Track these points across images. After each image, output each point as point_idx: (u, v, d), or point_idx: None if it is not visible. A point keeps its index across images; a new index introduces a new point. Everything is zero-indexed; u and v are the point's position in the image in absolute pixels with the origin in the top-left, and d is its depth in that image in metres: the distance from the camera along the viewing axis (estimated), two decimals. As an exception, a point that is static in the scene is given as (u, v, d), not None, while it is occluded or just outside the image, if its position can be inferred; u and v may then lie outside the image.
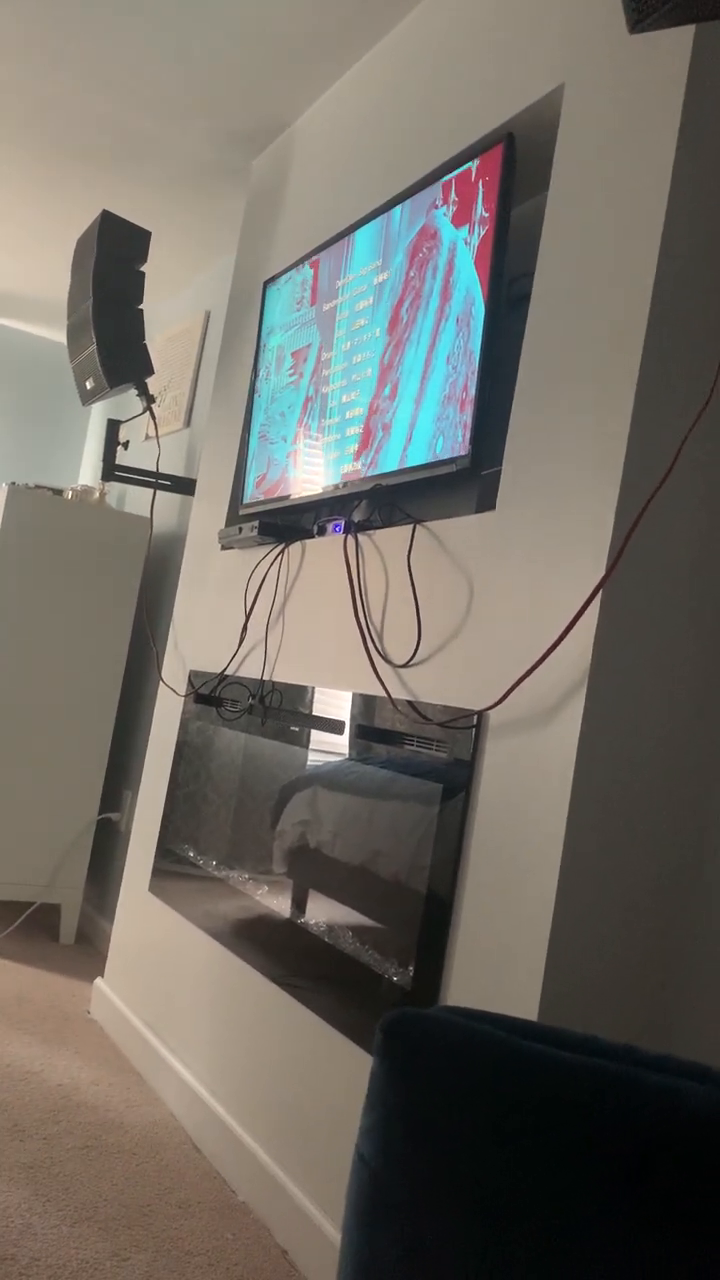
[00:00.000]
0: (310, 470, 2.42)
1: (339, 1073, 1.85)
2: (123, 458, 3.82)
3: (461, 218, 1.99)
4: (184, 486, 3.59)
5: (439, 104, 2.22)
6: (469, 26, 2.17)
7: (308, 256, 2.58)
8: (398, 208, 2.20)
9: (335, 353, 2.37)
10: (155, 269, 4.09)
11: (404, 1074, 0.90)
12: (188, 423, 3.89)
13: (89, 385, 3.09)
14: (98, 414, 5.25)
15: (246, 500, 2.73)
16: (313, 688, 2.20)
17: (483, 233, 1.92)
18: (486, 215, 1.91)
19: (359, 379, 2.25)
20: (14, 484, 3.52)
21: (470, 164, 1.98)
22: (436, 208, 2.06)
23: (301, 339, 2.53)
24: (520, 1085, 0.85)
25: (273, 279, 2.76)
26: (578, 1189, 0.81)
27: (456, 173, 2.02)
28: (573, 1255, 0.80)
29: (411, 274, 2.10)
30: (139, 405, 3.19)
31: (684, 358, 1.58)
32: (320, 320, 2.46)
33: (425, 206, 2.10)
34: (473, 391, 1.87)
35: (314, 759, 2.33)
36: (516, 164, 1.93)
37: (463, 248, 1.96)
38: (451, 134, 2.14)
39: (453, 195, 2.02)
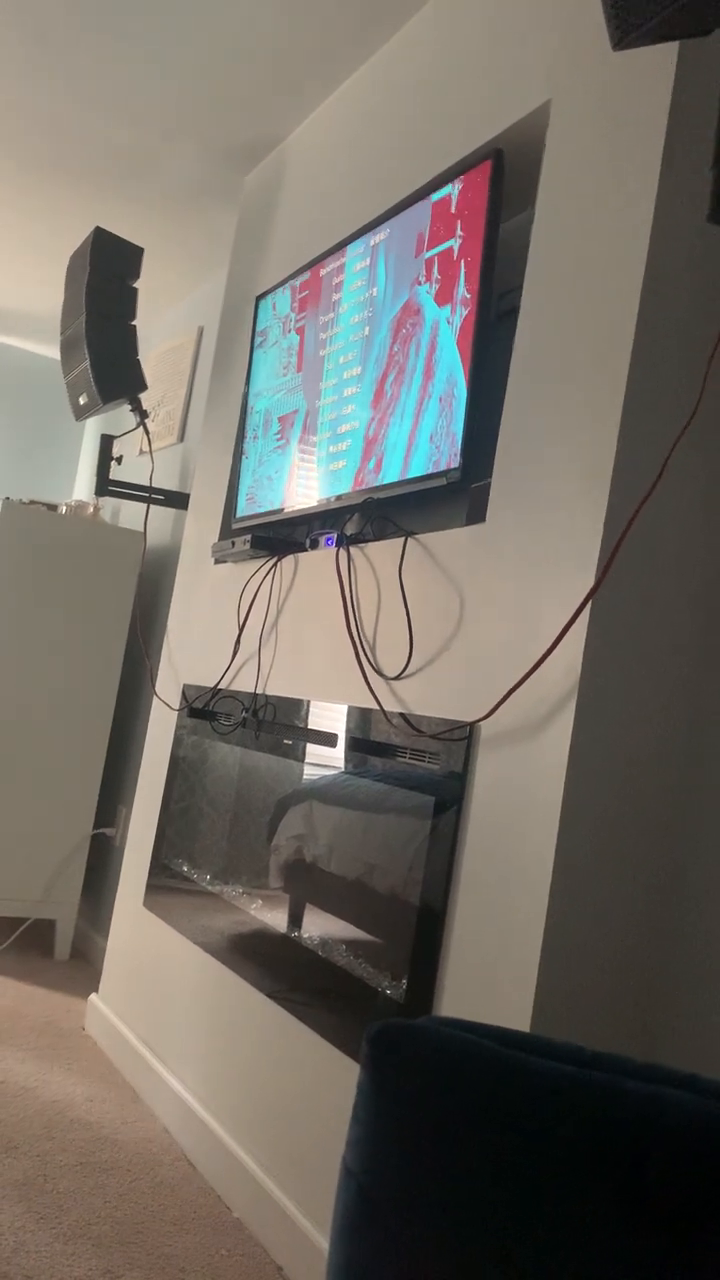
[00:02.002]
0: (303, 486, 2.43)
1: (334, 1087, 1.85)
2: (116, 472, 3.83)
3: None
4: (177, 501, 3.60)
5: (428, 120, 2.24)
6: (457, 44, 2.19)
7: (293, 277, 2.59)
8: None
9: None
10: (148, 285, 4.11)
11: (390, 1085, 0.89)
12: (181, 437, 3.90)
13: (82, 401, 3.10)
14: (91, 429, 5.26)
15: (239, 515, 2.74)
16: (306, 701, 2.21)
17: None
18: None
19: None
20: (8, 499, 3.53)
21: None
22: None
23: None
24: (506, 1095, 0.85)
25: (263, 294, 2.78)
26: (564, 1198, 0.81)
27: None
28: (560, 1264, 0.79)
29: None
30: (133, 420, 3.20)
31: (670, 371, 1.59)
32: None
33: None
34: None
35: (309, 772, 2.33)
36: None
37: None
38: (441, 150, 2.16)
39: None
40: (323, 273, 2.47)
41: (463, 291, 1.92)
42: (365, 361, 2.21)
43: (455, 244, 1.97)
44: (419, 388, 1.99)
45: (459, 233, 1.97)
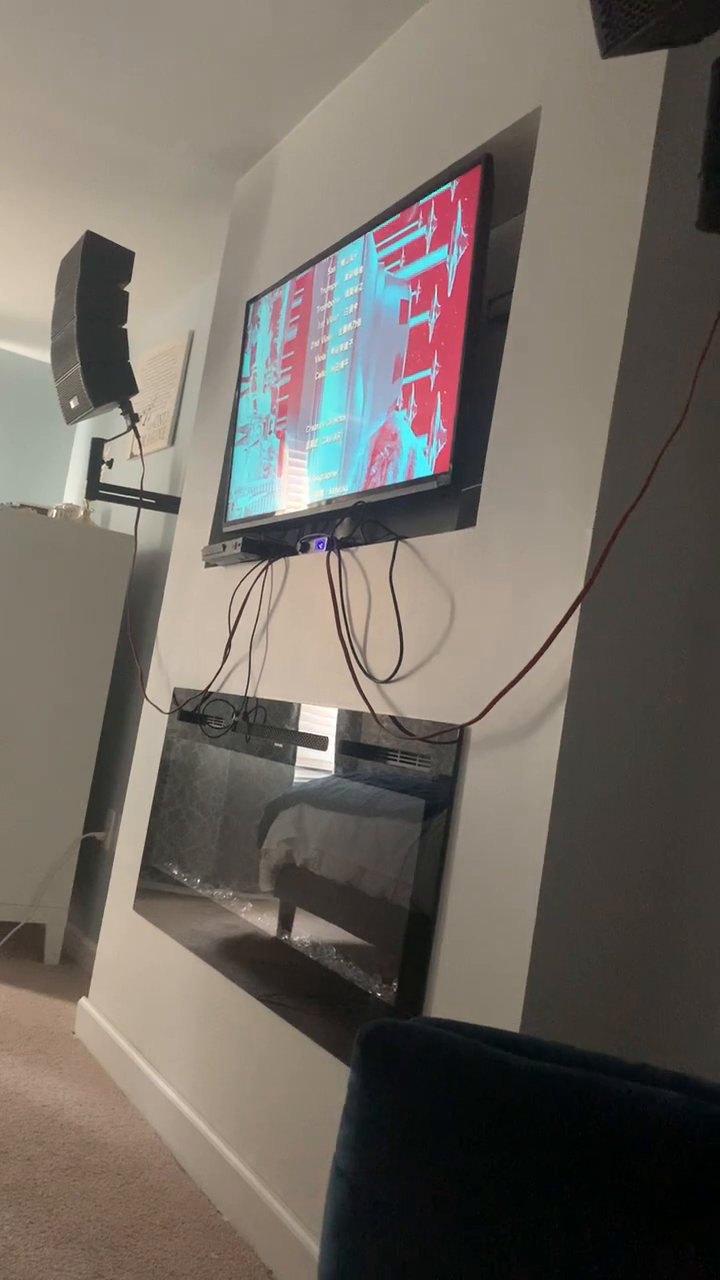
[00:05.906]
0: (293, 492, 2.43)
1: (325, 1090, 1.85)
2: (107, 476, 3.83)
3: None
4: (168, 504, 3.60)
5: (419, 126, 2.25)
6: (448, 50, 2.20)
7: (279, 285, 2.59)
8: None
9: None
10: (139, 289, 4.12)
11: (381, 1085, 0.90)
12: (172, 441, 3.91)
13: (73, 404, 3.10)
14: (82, 433, 5.26)
15: (230, 519, 2.74)
16: (297, 704, 2.21)
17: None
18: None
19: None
20: (-2, 503, 3.53)
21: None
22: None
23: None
24: (497, 1095, 0.85)
25: (254, 298, 2.78)
26: (554, 1196, 0.81)
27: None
28: (549, 1262, 0.80)
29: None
30: (123, 424, 3.20)
31: (659, 376, 1.60)
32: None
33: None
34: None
35: (299, 776, 2.33)
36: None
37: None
38: (431, 156, 2.17)
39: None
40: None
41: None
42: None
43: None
44: None
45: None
